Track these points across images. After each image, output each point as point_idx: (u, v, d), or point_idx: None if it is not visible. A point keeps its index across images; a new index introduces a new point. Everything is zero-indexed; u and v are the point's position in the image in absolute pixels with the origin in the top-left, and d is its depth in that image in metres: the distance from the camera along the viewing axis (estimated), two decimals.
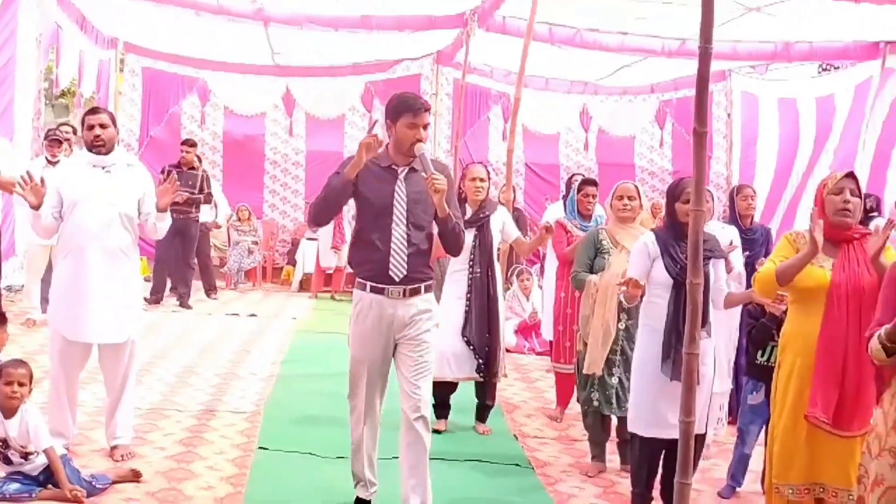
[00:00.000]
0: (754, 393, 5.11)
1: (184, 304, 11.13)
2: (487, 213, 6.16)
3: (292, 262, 14.23)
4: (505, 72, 13.81)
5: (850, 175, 4.00)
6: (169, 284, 11.47)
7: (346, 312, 11.57)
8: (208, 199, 11.55)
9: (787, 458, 3.92)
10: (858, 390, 3.72)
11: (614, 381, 5.43)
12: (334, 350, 8.73)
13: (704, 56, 3.30)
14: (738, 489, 5.25)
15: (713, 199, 5.91)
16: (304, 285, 13.60)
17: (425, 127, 4.32)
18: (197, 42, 12.97)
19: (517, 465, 5.64)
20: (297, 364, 8.27)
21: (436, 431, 6.04)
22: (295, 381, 7.55)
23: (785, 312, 4.36)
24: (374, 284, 4.33)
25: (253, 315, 10.90)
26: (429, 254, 4.44)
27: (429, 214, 4.35)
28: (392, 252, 4.28)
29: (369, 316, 4.37)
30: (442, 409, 6.25)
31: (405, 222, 4.30)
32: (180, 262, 11.35)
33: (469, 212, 6.09)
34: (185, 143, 11.57)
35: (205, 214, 11.94)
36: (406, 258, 4.29)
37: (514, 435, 6.28)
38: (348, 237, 12.94)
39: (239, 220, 13.64)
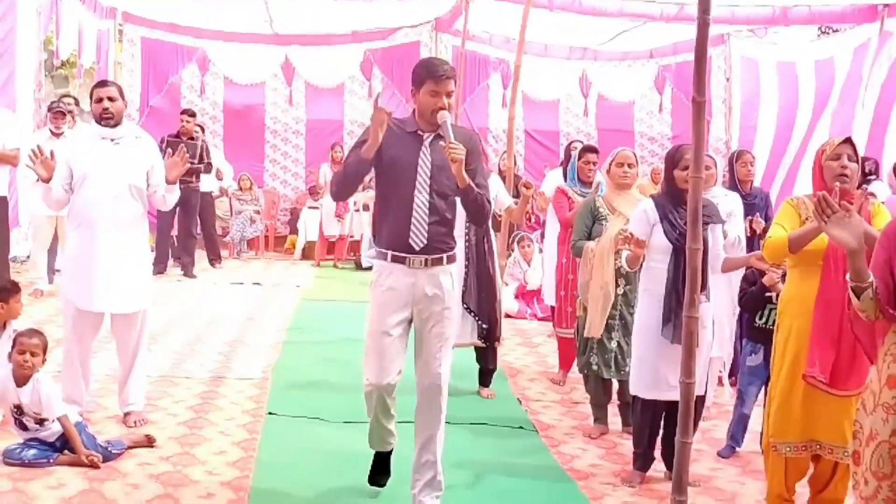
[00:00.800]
0: (753, 355, 5.21)
1: (188, 273, 11.22)
2: None
3: (294, 231, 14.32)
4: (504, 38, 13.81)
5: (848, 141, 4.06)
6: (172, 254, 11.59)
7: (350, 280, 11.78)
8: (208, 168, 11.62)
9: (785, 417, 4.02)
10: (854, 350, 3.78)
11: (613, 345, 5.53)
12: (339, 318, 8.90)
13: (703, 27, 3.37)
14: (737, 449, 5.35)
15: (715, 166, 5.96)
16: (307, 254, 13.67)
17: (448, 94, 4.15)
18: (195, 11, 12.98)
19: (521, 427, 5.75)
20: (303, 332, 8.37)
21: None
22: (301, 348, 7.66)
23: (783, 278, 4.44)
24: (394, 253, 4.16)
25: (257, 284, 11.00)
26: (452, 223, 4.27)
27: (454, 182, 4.14)
28: (413, 220, 4.11)
29: (388, 286, 4.18)
30: None
31: (428, 190, 4.13)
32: (182, 231, 11.44)
33: None
34: (184, 113, 11.61)
35: (208, 184, 12.02)
36: (427, 226, 4.11)
37: (518, 398, 6.39)
38: (351, 206, 13.05)
39: (240, 189, 13.70)
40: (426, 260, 4.16)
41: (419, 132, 4.21)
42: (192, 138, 11.24)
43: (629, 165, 5.62)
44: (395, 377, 4.23)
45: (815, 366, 3.85)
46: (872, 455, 3.08)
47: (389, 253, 4.17)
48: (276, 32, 13.85)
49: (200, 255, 11.94)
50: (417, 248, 4.13)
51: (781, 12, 11.57)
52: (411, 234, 4.12)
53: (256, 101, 14.58)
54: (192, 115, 11.68)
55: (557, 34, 13.08)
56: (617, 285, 5.45)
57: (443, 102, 4.13)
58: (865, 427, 3.13)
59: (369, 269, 13.41)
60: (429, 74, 4.14)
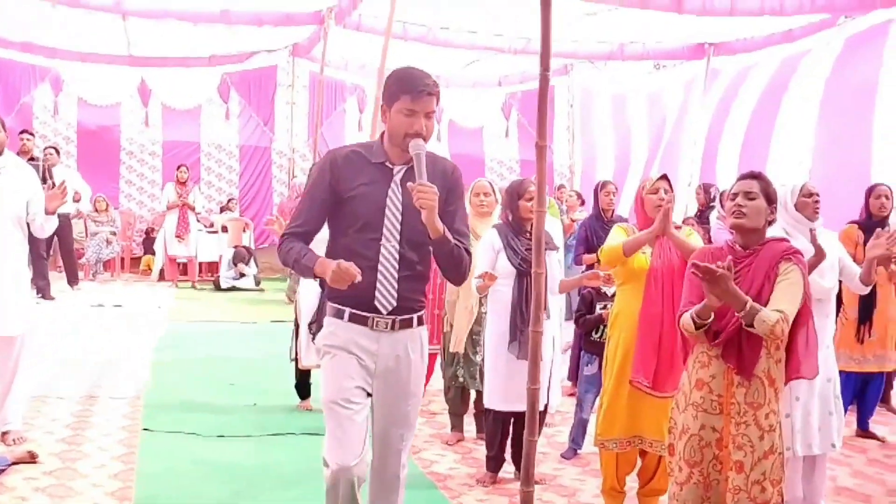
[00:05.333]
0: (589, 365, 5.76)
1: (45, 296, 11.16)
2: None
3: (149, 252, 14.37)
4: (359, 64, 14.28)
5: (664, 177, 4.73)
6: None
7: (210, 300, 11.88)
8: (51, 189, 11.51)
9: (612, 417, 4.59)
10: (672, 358, 4.40)
11: (478, 359, 5.93)
12: (203, 337, 9.18)
13: (544, 80, 3.92)
14: (578, 451, 5.89)
15: None
16: (164, 275, 13.77)
17: (429, 115, 3.32)
18: (49, 31, 12.91)
19: None
20: (170, 351, 8.58)
21: (307, 410, 6.57)
22: (169, 366, 7.89)
23: (612, 297, 5.04)
24: (353, 312, 3.37)
25: (118, 305, 11.08)
26: (426, 278, 3.52)
27: None
28: (380, 275, 3.33)
29: (343, 351, 3.39)
30: (304, 388, 6.66)
31: (398, 238, 3.34)
32: (33, 254, 11.27)
33: None
34: (23, 132, 11.51)
35: (64, 206, 11.92)
36: (397, 284, 3.35)
37: None
38: (193, 226, 13.15)
39: (96, 210, 13.67)
40: (393, 322, 3.40)
41: (388, 164, 3.40)
42: (32, 158, 10.94)
43: (485, 195, 6.09)
44: (364, 461, 3.39)
45: (640, 372, 4.46)
46: (685, 446, 3.67)
47: (347, 311, 3.40)
48: (132, 54, 13.92)
49: (54, 277, 11.89)
50: (385, 311, 3.37)
51: (619, 48, 12.54)
52: (377, 293, 3.35)
53: (112, 122, 14.62)
54: (32, 134, 11.62)
55: (412, 61, 13.60)
56: (481, 304, 5.86)
57: (420, 125, 3.30)
58: (678, 423, 3.73)
59: (229, 289, 13.58)
60: (405, 88, 3.30)
